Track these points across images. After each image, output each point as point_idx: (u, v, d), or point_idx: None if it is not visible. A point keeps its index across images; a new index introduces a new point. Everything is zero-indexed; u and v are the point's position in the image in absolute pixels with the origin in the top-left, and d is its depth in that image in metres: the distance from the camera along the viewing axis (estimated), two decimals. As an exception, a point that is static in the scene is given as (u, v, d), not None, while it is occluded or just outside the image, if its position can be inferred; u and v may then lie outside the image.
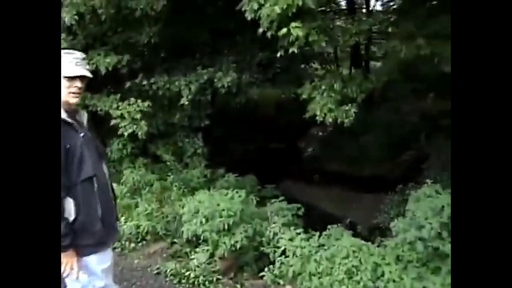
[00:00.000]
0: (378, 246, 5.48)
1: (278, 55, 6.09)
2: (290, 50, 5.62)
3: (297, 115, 17.38)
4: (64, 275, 3.11)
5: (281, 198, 7.12)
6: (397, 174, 12.46)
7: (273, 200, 7.06)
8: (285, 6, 5.00)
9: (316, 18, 5.71)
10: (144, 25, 9.06)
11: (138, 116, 8.32)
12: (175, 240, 6.56)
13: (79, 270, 3.16)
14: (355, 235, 6.09)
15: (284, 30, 5.32)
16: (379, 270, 4.92)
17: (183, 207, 7.03)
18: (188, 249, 6.28)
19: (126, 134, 8.34)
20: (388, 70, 6.53)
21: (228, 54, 10.26)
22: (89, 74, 3.30)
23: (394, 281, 4.78)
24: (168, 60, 10.18)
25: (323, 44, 5.68)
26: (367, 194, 11.65)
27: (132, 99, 8.50)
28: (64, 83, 3.13)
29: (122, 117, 8.33)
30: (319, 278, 5.00)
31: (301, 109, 16.62)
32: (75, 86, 3.20)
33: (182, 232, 6.11)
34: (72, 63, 3.18)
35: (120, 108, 8.52)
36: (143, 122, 8.31)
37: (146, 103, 8.48)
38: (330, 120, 6.65)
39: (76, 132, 3.20)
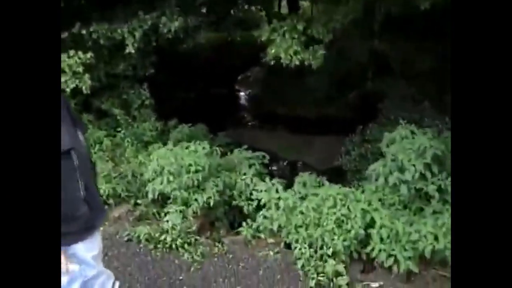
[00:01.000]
0: (358, 190, 5.30)
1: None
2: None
3: (236, 59, 17.29)
4: None
5: (245, 146, 6.82)
6: (345, 115, 12.38)
7: (236, 150, 6.74)
8: None
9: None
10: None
11: (80, 69, 7.63)
12: (138, 201, 6.10)
13: (67, 261, 2.65)
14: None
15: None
16: (367, 216, 4.72)
17: (141, 164, 6.63)
18: (154, 210, 5.87)
19: (68, 90, 7.64)
20: (348, 10, 6.23)
21: (169, -1, 9.63)
22: None
23: (385, 226, 4.58)
24: (105, 6, 9.44)
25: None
26: (317, 136, 11.51)
27: (72, 51, 7.77)
28: None
29: (62, 71, 7.63)
30: (307, 229, 4.75)
31: (240, 52, 16.39)
32: None
33: (147, 192, 5.70)
34: None
35: (58, 61, 7.84)
36: (86, 76, 7.65)
37: (88, 55, 7.79)
38: (297, 62, 6.32)
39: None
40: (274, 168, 9.78)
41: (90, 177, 2.81)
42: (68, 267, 2.64)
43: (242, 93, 17.18)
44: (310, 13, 10.36)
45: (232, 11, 11.70)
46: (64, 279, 2.70)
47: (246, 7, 12.16)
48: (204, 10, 9.97)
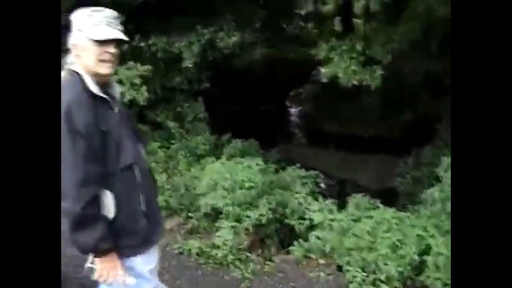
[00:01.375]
0: (414, 215, 5.19)
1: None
2: (326, 8, 5.17)
3: (288, 75, 17.30)
4: (108, 281, 2.59)
5: (298, 164, 6.79)
6: (399, 135, 12.23)
7: (290, 168, 6.71)
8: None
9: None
10: (139, -18, 8.47)
11: (138, 81, 7.77)
12: (190, 214, 6.13)
13: (125, 273, 2.62)
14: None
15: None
16: (423, 243, 4.60)
17: (193, 178, 6.67)
18: (206, 224, 5.87)
19: (125, 101, 7.79)
20: (407, 31, 6.18)
21: (225, 13, 9.72)
22: (124, 37, 2.57)
23: (441, 254, 4.45)
24: (164, 20, 9.59)
25: (363, 1, 5.23)
26: (370, 155, 11.39)
27: (131, 63, 7.93)
28: (92, 49, 2.47)
29: (120, 82, 7.78)
30: (360, 253, 4.66)
31: (293, 68, 16.39)
32: (107, 52, 2.51)
33: (199, 206, 5.73)
34: (103, 23, 2.48)
35: (117, 73, 7.98)
36: (143, 88, 7.77)
37: (146, 67, 7.93)
38: (355, 82, 6.28)
39: (111, 109, 2.58)
40: (326, 186, 9.71)
41: (151, 191, 2.81)
42: (125, 280, 2.62)
43: (293, 110, 17.16)
44: (363, 31, 10.27)
45: (287, 28, 11.73)
46: None
47: (301, 24, 12.17)
48: (259, 26, 10.00)
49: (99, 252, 2.47)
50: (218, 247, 5.19)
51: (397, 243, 4.56)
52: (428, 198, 5.23)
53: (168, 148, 8.13)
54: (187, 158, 7.67)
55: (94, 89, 2.49)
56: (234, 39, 8.46)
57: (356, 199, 5.73)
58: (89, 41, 2.45)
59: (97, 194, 2.43)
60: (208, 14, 9.81)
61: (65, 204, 2.29)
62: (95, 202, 2.41)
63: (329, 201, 5.49)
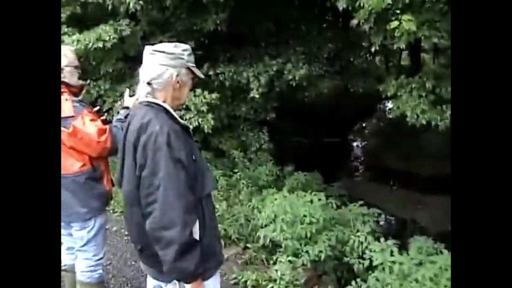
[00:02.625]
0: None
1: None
2: (396, 46, 5.13)
3: (354, 109, 17.21)
4: None
5: (360, 202, 6.67)
6: (461, 176, 11.88)
7: (351, 204, 6.60)
8: (397, -3, 4.52)
9: (421, 10, 5.16)
10: (211, 11, 8.63)
11: (205, 108, 7.89)
12: (248, 245, 6.13)
13: None
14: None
15: (395, 23, 4.82)
16: (488, 294, 4.41)
17: (254, 208, 6.67)
18: (263, 256, 5.85)
19: (191, 127, 7.90)
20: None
21: (293, 45, 9.78)
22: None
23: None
24: (233, 49, 9.74)
25: (435, 40, 5.16)
26: (433, 195, 11.08)
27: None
28: (189, 84, 2.70)
29: (187, 109, 7.91)
30: (421, 299, 4.51)
31: (358, 102, 16.26)
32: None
33: (258, 237, 5.71)
34: (192, 61, 2.68)
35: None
36: (210, 115, 7.88)
37: (214, 95, 8.04)
38: (424, 122, 6.15)
39: (192, 138, 2.67)
40: (386, 225, 9.51)
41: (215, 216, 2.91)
42: None
43: (356, 144, 17.01)
44: (433, 69, 10.07)
45: (355, 61, 11.68)
46: None
47: (369, 58, 12.11)
48: (327, 59, 9.99)
49: (195, 277, 2.50)
50: (274, 280, 5.14)
51: (461, 292, 4.39)
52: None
53: (230, 176, 8.17)
54: (249, 188, 7.67)
55: (179, 119, 2.59)
56: (302, 71, 8.47)
57: (418, 242, 5.56)
58: (190, 78, 2.67)
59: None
60: (277, 45, 9.91)
61: (172, 233, 2.34)
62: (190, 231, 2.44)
63: (390, 242, 5.34)
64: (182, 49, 2.62)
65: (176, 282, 2.59)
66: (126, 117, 3.42)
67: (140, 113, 2.55)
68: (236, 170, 8.29)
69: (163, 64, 2.56)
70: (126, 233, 6.26)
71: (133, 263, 5.60)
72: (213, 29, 8.71)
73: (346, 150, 15.87)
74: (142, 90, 2.63)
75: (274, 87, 9.16)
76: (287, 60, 9.00)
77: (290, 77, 8.60)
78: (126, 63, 9.17)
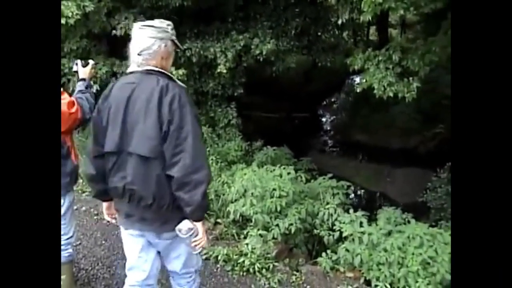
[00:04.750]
0: (447, 232, 5.06)
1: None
2: (363, 18, 5.12)
3: (322, 83, 17.25)
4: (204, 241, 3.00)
5: (330, 175, 6.71)
6: (429, 148, 12.06)
7: (321, 178, 6.64)
8: (363, -33, 4.49)
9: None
10: (177, -14, 8.51)
11: (172, 84, 7.79)
12: (218, 220, 6.13)
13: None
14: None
15: (361, -5, 4.82)
16: (456, 261, 4.49)
17: (223, 184, 6.66)
18: (234, 231, 5.85)
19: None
20: (448, 41, 6.02)
21: (261, 20, 9.72)
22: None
23: (474, 274, 4.33)
24: (199, 24, 9.63)
25: (401, 11, 5.16)
26: (401, 168, 11.24)
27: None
28: (173, 55, 3.03)
29: (156, 86, 7.82)
30: (389, 268, 4.58)
31: (327, 77, 16.29)
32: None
33: (228, 212, 5.72)
34: (175, 35, 3.01)
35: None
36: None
37: (181, 71, 7.96)
38: (391, 94, 6.18)
39: None
40: (356, 198, 9.63)
41: None
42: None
43: (325, 119, 17.08)
44: (399, 41, 10.13)
45: (323, 36, 11.66)
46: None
47: (336, 32, 12.09)
48: (295, 33, 9.95)
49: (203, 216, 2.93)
50: (245, 254, 5.16)
51: (429, 260, 4.47)
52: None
53: (199, 152, 8.12)
54: (219, 163, 7.65)
55: (180, 83, 2.97)
56: (269, 46, 8.42)
57: (387, 213, 5.63)
58: (173, 49, 3.01)
59: None
60: (244, 20, 9.83)
61: (201, 175, 2.73)
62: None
63: (359, 213, 5.39)
64: (166, 24, 2.95)
65: (174, 231, 2.90)
66: (86, 87, 3.72)
67: (146, 80, 2.84)
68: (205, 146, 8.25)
69: (151, 37, 2.86)
70: (96, 212, 6.20)
71: (103, 242, 5.55)
72: (178, 5, 8.60)
73: (315, 124, 15.91)
74: (134, 61, 2.91)
75: (241, 62, 9.13)
76: (255, 35, 8.96)
77: (258, 52, 8.57)
78: (91, 41, 9.01)
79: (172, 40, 2.94)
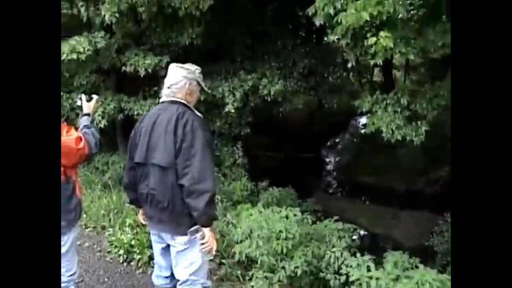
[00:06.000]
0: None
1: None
2: (373, 62, 5.16)
3: (327, 125, 17.27)
4: (210, 245, 3.51)
5: (336, 217, 6.66)
6: (434, 190, 11.99)
7: (327, 220, 6.58)
8: (375, 13, 4.52)
9: (398, 27, 5.20)
10: (186, 25, 8.60)
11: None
12: (223, 260, 6.06)
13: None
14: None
15: (373, 39, 4.85)
16: (465, 309, 4.40)
17: (228, 224, 6.61)
18: (239, 272, 5.78)
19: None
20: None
21: (269, 60, 9.80)
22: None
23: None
24: (208, 63, 9.71)
25: (411, 56, 5.21)
26: (406, 210, 11.16)
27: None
28: (198, 92, 3.67)
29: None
30: (398, 315, 4.49)
31: (332, 118, 16.32)
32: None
33: (234, 253, 5.65)
34: (202, 79, 3.68)
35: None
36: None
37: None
38: (399, 137, 6.18)
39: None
40: (361, 240, 9.53)
41: None
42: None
43: (330, 159, 17.06)
44: (406, 85, 10.17)
45: (329, 78, 11.75)
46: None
47: (343, 74, 12.20)
48: (302, 74, 10.03)
49: (213, 222, 3.53)
50: (251, 297, 5.09)
51: (438, 307, 4.39)
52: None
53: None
54: (224, 203, 7.61)
55: (198, 113, 3.59)
56: (277, 86, 8.47)
57: (394, 257, 5.54)
58: (198, 88, 3.67)
59: None
60: (252, 60, 9.91)
61: (205, 185, 3.27)
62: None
63: (366, 257, 5.32)
64: (195, 68, 3.65)
65: (186, 235, 3.46)
66: (92, 122, 4.01)
67: (170, 108, 3.49)
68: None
69: (181, 75, 3.55)
70: (99, 249, 6.15)
71: (106, 279, 5.48)
72: (188, 43, 8.69)
73: (319, 165, 15.90)
74: (164, 93, 3.59)
75: (249, 102, 9.16)
76: (263, 75, 9.03)
77: (265, 92, 8.63)
78: (100, 76, 9.08)
79: (197, 81, 3.60)
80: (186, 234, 3.46)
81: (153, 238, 3.90)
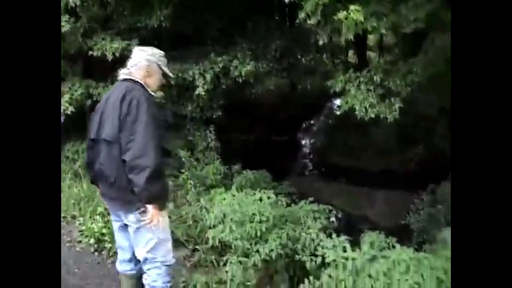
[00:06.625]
0: (433, 256, 4.91)
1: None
2: (344, 37, 5.03)
3: (301, 107, 17.18)
4: (155, 224, 3.54)
5: (310, 199, 6.57)
6: (412, 170, 11.97)
7: (302, 202, 6.48)
8: (345, -13, 4.41)
9: (370, 2, 5.09)
10: (155, 8, 8.39)
11: (149, 107, 7.61)
12: (196, 246, 5.93)
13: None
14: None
15: (343, 13, 4.71)
16: (443, 286, 4.33)
17: (202, 208, 6.48)
18: (213, 257, 5.66)
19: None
20: (429, 61, 6.03)
21: (241, 42, 9.63)
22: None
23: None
24: (178, 46, 9.51)
25: (383, 30, 5.10)
26: (382, 190, 11.13)
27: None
28: (158, 75, 3.75)
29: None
30: (375, 295, 4.41)
31: (306, 100, 16.26)
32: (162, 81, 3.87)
33: (207, 238, 5.53)
34: (166, 64, 3.82)
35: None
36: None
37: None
38: (373, 115, 6.10)
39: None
40: (337, 221, 9.47)
41: None
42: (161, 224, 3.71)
43: (305, 142, 16.99)
44: (380, 63, 10.09)
45: (302, 59, 11.62)
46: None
47: (316, 55, 12.08)
48: (275, 56, 9.89)
49: (158, 201, 3.52)
50: (224, 282, 4.99)
51: (415, 286, 4.31)
52: (447, 237, 4.98)
53: (177, 177, 7.93)
54: (197, 188, 7.47)
55: (149, 90, 3.68)
56: (248, 67, 8.31)
57: (370, 237, 5.47)
58: (159, 72, 3.75)
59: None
60: (223, 42, 9.75)
61: (146, 161, 3.29)
62: (162, 164, 3.50)
63: (342, 238, 5.24)
64: (158, 51, 3.79)
65: (136, 213, 3.54)
66: None
67: (121, 85, 3.59)
68: (183, 170, 8.06)
69: (141, 57, 3.67)
70: (69, 239, 5.97)
71: (76, 270, 5.30)
72: (157, 26, 8.49)
73: (294, 148, 15.82)
74: (121, 72, 3.70)
75: (220, 84, 8.99)
76: (234, 57, 8.86)
77: (236, 73, 8.47)
78: (67, 61, 8.83)
79: (158, 64, 3.72)
80: (135, 212, 3.53)
81: (112, 217, 3.96)
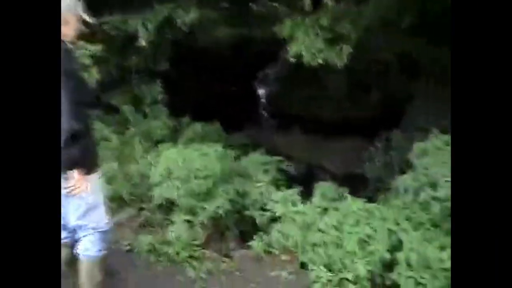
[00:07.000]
0: (384, 206, 4.76)
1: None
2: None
3: (255, 56, 16.82)
4: (80, 191, 3.32)
5: (261, 150, 6.37)
6: (367, 117, 11.83)
7: (251, 154, 6.26)
8: None
9: None
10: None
11: (88, 61, 7.19)
12: (143, 206, 5.66)
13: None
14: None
15: None
16: (394, 237, 4.18)
17: (149, 165, 6.19)
18: (160, 216, 5.41)
19: (75, 82, 7.23)
20: (380, 6, 5.79)
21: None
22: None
23: (414, 250, 4.03)
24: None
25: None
26: (337, 138, 10.97)
27: (80, 42, 7.32)
28: (75, 22, 3.31)
29: (68, 62, 7.22)
30: (325, 249, 4.23)
31: (260, 49, 15.92)
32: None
33: (152, 196, 5.27)
34: (83, 8, 3.39)
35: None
36: (94, 69, 7.21)
37: (98, 47, 7.35)
38: (320, 61, 5.84)
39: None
40: (291, 173, 9.33)
41: None
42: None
43: (260, 92, 16.71)
44: (329, 7, 9.81)
45: (253, 6, 11.22)
46: None
47: (269, 2, 11.69)
48: (223, 4, 9.49)
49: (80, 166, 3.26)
50: (170, 243, 4.75)
51: (366, 238, 4.15)
52: (400, 186, 4.83)
53: (123, 133, 7.59)
54: (144, 144, 7.15)
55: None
56: (192, 15, 7.91)
57: (322, 188, 5.30)
58: (74, 16, 3.27)
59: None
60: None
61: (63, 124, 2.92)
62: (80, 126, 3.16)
63: (292, 190, 5.05)
64: None
65: None
66: None
67: None
68: (129, 126, 7.73)
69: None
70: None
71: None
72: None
73: (249, 98, 15.52)
74: None
75: (165, 35, 8.56)
76: (178, 6, 8.42)
77: (180, 22, 8.05)
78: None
79: (75, 9, 3.28)
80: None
81: None
